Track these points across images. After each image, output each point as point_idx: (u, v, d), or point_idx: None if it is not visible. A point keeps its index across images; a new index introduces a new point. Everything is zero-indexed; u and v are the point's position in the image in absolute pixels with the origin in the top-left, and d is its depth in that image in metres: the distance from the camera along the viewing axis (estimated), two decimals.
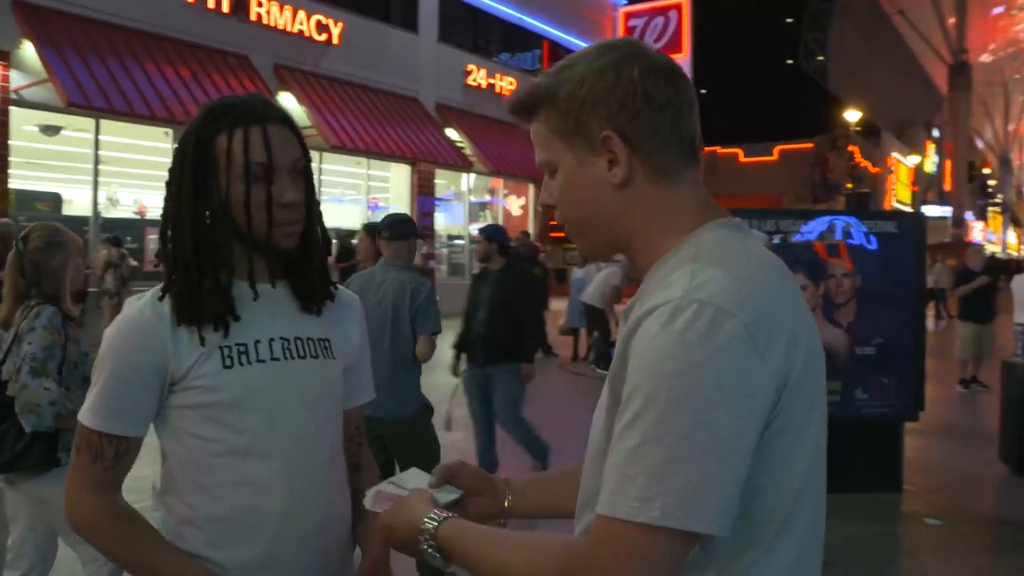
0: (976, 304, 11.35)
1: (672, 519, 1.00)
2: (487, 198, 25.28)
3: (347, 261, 13.81)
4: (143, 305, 1.57)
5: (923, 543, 5.44)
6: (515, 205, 25.73)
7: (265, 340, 1.60)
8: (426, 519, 1.25)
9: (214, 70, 15.50)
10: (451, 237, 23.60)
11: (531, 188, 25.31)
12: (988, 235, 77.24)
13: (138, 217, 16.87)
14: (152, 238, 15.83)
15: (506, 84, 24.36)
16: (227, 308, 1.57)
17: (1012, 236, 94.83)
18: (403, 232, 4.58)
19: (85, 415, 1.56)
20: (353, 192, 20.69)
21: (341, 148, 17.05)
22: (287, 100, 16.72)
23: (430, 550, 1.23)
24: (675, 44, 29.13)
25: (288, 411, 1.61)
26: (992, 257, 24.01)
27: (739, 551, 1.09)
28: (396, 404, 4.37)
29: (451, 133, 21.54)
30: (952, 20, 51.93)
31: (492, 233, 5.90)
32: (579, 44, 27.86)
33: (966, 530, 5.75)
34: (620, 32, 29.71)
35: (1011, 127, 73.86)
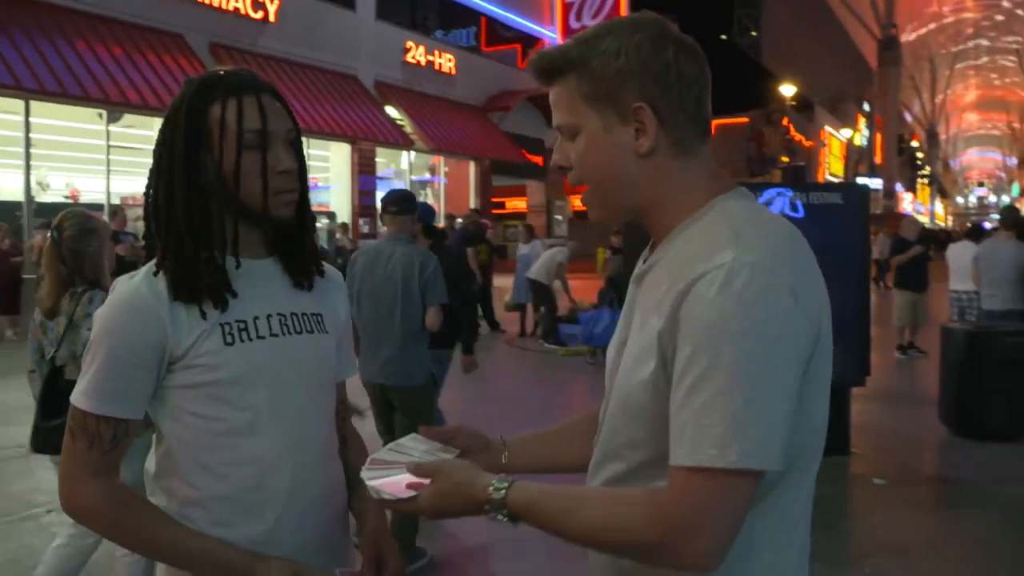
0: (911, 273, 11.69)
1: (748, 461, 1.10)
2: (427, 176, 25.16)
3: None
4: (138, 283, 1.53)
5: (872, 502, 5.63)
6: (451, 182, 25.65)
7: (263, 316, 1.59)
8: (490, 488, 1.27)
9: (148, 49, 15.15)
10: None
11: (472, 165, 25.26)
12: (917, 206, 79.36)
13: (71, 201, 16.46)
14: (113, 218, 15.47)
15: (445, 61, 24.23)
16: (224, 283, 1.55)
17: (939, 207, 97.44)
18: (408, 207, 4.66)
19: (80, 399, 1.50)
20: None
21: None
22: None
23: (500, 518, 1.27)
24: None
25: (288, 387, 1.59)
26: (922, 228, 24.69)
27: (771, 484, 1.19)
28: (406, 375, 4.51)
29: (391, 111, 21.38)
30: None
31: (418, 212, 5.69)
32: (516, 21, 27.83)
33: (911, 489, 5.97)
34: (558, 8, 29.71)
35: (938, 99, 75.70)
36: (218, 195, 1.54)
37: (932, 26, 63.12)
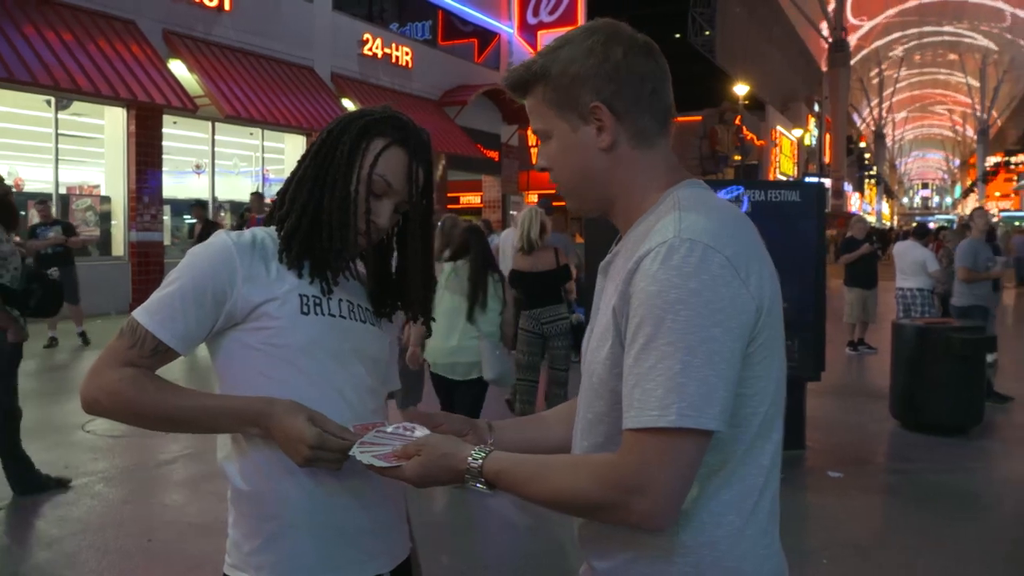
0: (861, 270, 11.93)
1: (687, 420, 1.20)
2: None
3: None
4: (232, 237, 1.68)
5: (827, 495, 5.74)
6: None
7: (335, 299, 1.73)
8: (469, 458, 1.39)
9: (99, 35, 14.77)
10: None
11: None
12: (864, 206, 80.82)
13: (15, 190, 16.02)
14: (35, 211, 15.03)
15: (402, 54, 24.07)
16: (334, 267, 1.72)
17: (885, 207, 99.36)
18: None
19: (141, 313, 1.63)
20: (246, 164, 20.15)
21: (236, 118, 16.56)
22: (178, 68, 16.12)
23: (478, 485, 1.37)
24: (569, 16, 29.21)
25: (348, 365, 1.73)
26: (870, 226, 25.17)
27: (732, 453, 1.31)
28: None
29: (347, 103, 21.19)
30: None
31: None
32: (473, 15, 27.75)
33: (865, 481, 6.11)
34: (515, 3, 29.66)
35: (885, 102, 77.08)
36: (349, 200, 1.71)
37: (879, 21, 64.28)
